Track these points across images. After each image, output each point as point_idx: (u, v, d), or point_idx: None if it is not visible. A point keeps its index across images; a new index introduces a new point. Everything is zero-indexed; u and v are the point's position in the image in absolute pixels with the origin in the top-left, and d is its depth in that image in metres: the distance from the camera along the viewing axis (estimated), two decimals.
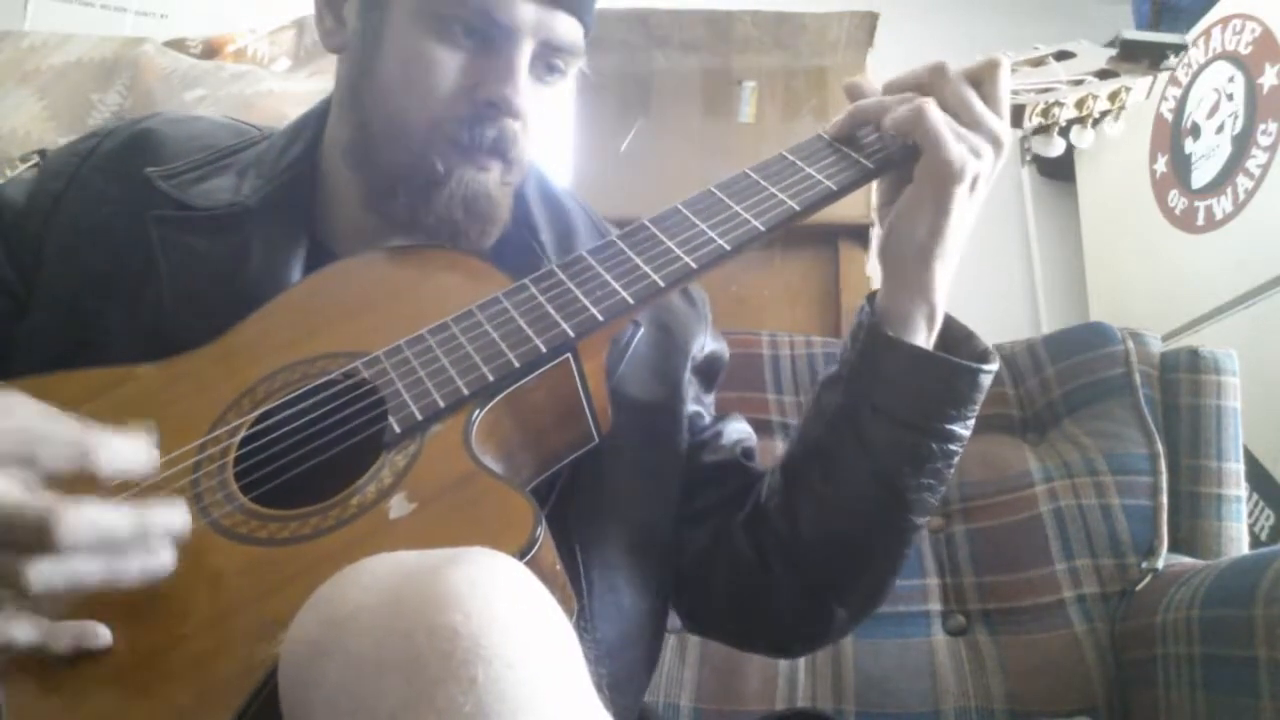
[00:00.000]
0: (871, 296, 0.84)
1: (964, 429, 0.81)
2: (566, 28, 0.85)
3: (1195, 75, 2.24)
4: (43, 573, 0.55)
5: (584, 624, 0.83)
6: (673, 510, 0.95)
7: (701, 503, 0.95)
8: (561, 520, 0.83)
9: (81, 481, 0.59)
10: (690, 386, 0.99)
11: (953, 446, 0.81)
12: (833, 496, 0.85)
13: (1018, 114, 0.88)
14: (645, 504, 0.92)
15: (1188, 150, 2.24)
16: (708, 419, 1.01)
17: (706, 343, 1.03)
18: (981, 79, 0.80)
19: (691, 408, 0.99)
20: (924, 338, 0.81)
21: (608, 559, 0.87)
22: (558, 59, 0.87)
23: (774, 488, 0.90)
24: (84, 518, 0.55)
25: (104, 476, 0.58)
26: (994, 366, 0.81)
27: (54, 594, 0.56)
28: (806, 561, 0.88)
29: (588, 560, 0.85)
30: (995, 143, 0.78)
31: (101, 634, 0.59)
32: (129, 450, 0.60)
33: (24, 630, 0.57)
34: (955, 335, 0.84)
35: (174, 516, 0.60)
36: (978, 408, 0.82)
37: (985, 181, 0.79)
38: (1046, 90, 0.89)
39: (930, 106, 0.77)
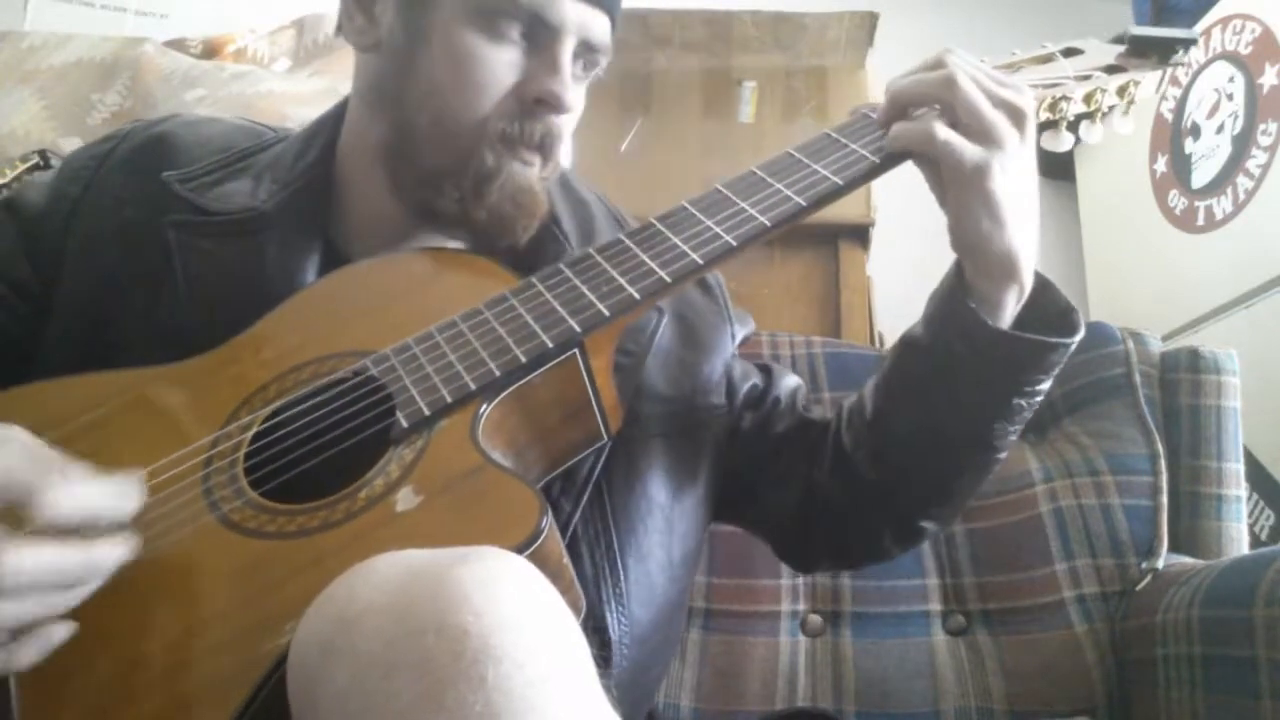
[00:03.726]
0: (960, 270, 0.83)
1: (1049, 382, 0.84)
2: (602, 26, 0.87)
3: (1195, 75, 2.24)
4: None
5: (621, 608, 0.85)
6: (703, 501, 0.97)
7: (781, 467, 0.99)
8: (601, 506, 0.87)
9: None
10: (736, 364, 1.02)
11: (1038, 399, 0.85)
12: (921, 450, 0.89)
13: None
14: (676, 495, 0.93)
15: (1188, 150, 2.24)
16: (761, 385, 1.03)
17: (736, 330, 1.05)
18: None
19: (747, 384, 1.02)
20: (1012, 309, 0.82)
21: (642, 545, 0.89)
22: (590, 57, 0.88)
23: (859, 440, 0.93)
24: (26, 557, 0.55)
25: (53, 522, 0.57)
26: (1079, 335, 0.82)
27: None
28: (897, 498, 0.93)
29: (624, 546, 0.87)
30: (1016, 118, 0.78)
31: (58, 631, 0.59)
32: (87, 497, 0.60)
33: None
34: (1035, 287, 0.85)
35: (118, 553, 0.61)
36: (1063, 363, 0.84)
37: (1020, 162, 0.78)
38: (1054, 86, 0.89)
39: (937, 128, 0.77)
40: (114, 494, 0.62)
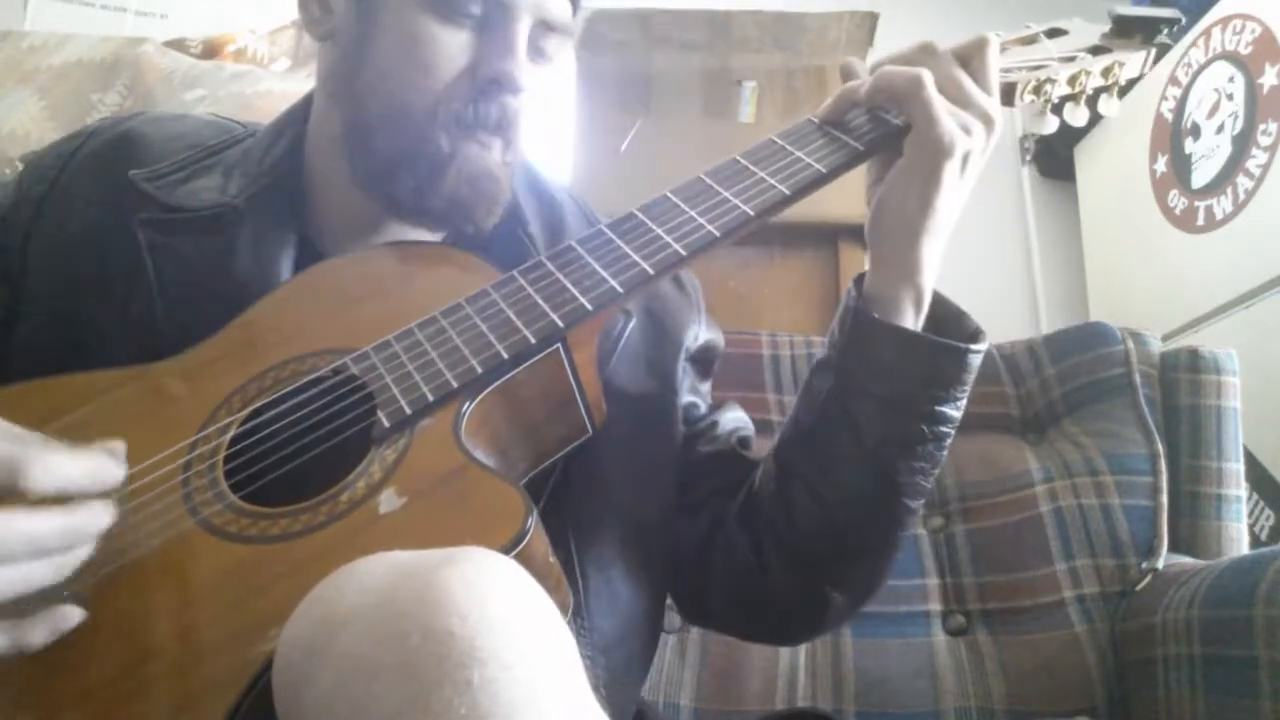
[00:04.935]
0: (859, 280, 0.84)
1: (954, 410, 0.81)
2: (560, 6, 0.86)
3: (1195, 75, 2.23)
4: None
5: (580, 619, 0.83)
6: (668, 504, 0.95)
7: (698, 493, 0.95)
8: (557, 515, 0.83)
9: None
10: (685, 376, 0.99)
11: (943, 429, 0.81)
12: (825, 481, 0.84)
13: (1009, 91, 0.87)
14: (639, 498, 0.91)
15: (1188, 150, 2.23)
16: (703, 408, 1.01)
17: (700, 332, 1.02)
18: (970, 57, 0.80)
19: (687, 398, 0.99)
20: (911, 320, 0.81)
21: (603, 554, 0.87)
22: (549, 40, 0.87)
23: (767, 475, 0.89)
24: (10, 528, 0.56)
25: (36, 495, 0.57)
26: (982, 346, 0.80)
27: None
28: (801, 548, 0.87)
29: (583, 555, 0.85)
30: (986, 120, 0.78)
31: (71, 614, 0.59)
32: (66, 467, 0.60)
33: None
34: (946, 315, 0.84)
35: (101, 518, 0.61)
36: (968, 389, 0.81)
37: (976, 161, 0.78)
38: (1038, 67, 0.88)
39: (927, 77, 0.76)
40: (94, 467, 0.61)
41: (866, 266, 0.84)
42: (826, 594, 0.89)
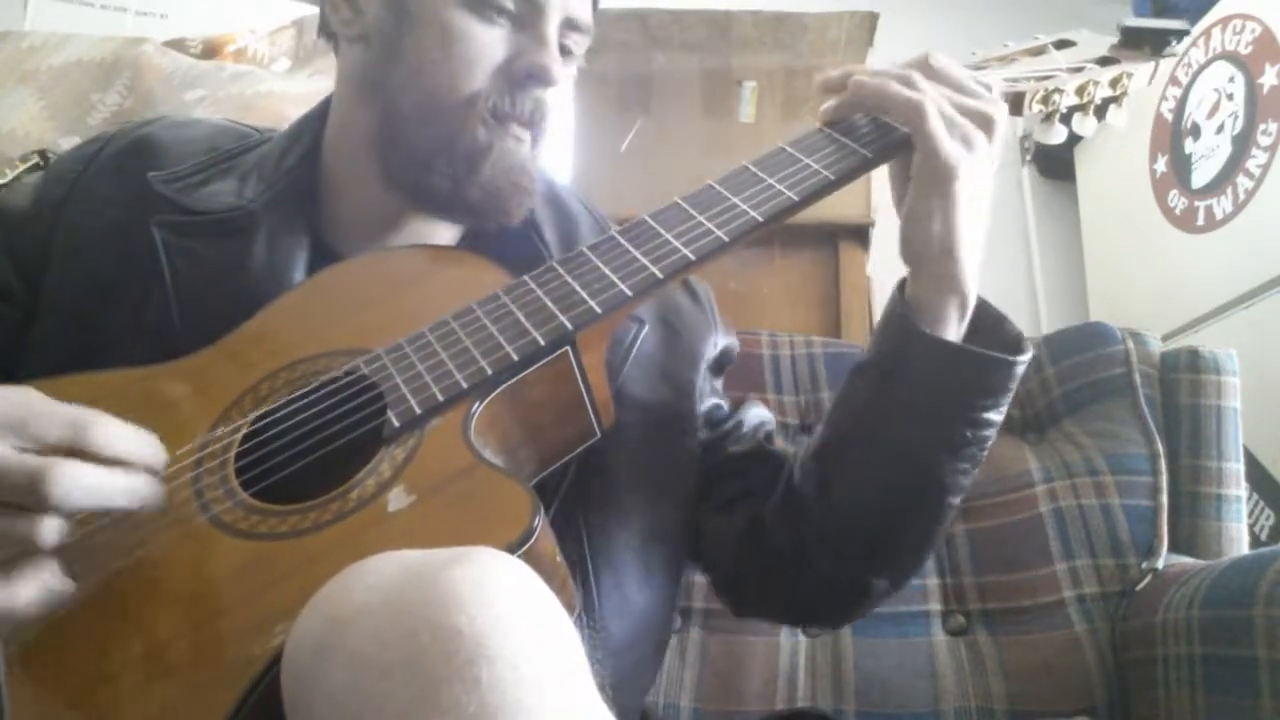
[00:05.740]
0: (902, 283, 0.84)
1: (998, 415, 0.82)
2: (583, 5, 0.89)
3: (1195, 75, 2.24)
4: (48, 527, 0.57)
5: (592, 622, 0.84)
6: (681, 511, 0.96)
7: (731, 491, 0.97)
8: (570, 518, 0.84)
9: None
10: (705, 383, 1.00)
11: (986, 432, 0.82)
12: (868, 481, 0.86)
13: (1017, 101, 0.88)
14: (653, 504, 0.92)
15: (1188, 150, 2.24)
16: (726, 409, 1.02)
17: (719, 340, 1.04)
18: (937, 74, 0.81)
19: (710, 401, 1.00)
20: (955, 327, 0.81)
21: (615, 558, 0.88)
22: (571, 38, 0.90)
23: (807, 473, 0.90)
24: (76, 473, 0.57)
25: (97, 454, 0.59)
26: (1028, 356, 0.81)
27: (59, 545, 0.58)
28: (843, 542, 0.88)
29: (596, 558, 0.86)
30: (985, 124, 0.79)
31: (60, 579, 0.60)
32: (126, 433, 0.61)
33: (33, 588, 0.58)
34: (987, 319, 0.84)
35: (156, 489, 0.63)
36: (1011, 395, 0.82)
37: (985, 167, 0.79)
38: (1046, 78, 0.89)
39: (931, 105, 0.77)
40: (149, 441, 0.63)
41: (879, 284, 0.84)
42: (868, 581, 0.90)
